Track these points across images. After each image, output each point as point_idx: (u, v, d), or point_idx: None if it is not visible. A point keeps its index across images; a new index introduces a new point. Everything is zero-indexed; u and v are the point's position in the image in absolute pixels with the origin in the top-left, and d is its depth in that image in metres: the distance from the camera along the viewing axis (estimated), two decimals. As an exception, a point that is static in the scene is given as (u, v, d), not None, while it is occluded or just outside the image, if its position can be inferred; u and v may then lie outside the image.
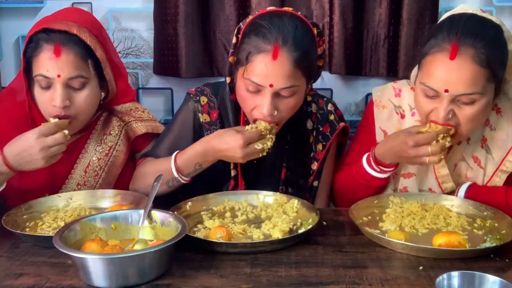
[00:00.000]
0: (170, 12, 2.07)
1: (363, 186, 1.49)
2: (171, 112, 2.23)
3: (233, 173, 1.53)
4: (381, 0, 2.04)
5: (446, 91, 1.29)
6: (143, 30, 2.18)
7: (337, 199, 1.64)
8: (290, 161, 1.57)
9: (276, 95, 1.37)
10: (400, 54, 2.05)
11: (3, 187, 1.40)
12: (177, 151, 1.45)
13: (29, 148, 1.31)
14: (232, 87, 1.49)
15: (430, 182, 1.51)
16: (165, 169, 1.43)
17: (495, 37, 1.30)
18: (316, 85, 1.67)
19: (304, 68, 1.38)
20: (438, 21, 1.39)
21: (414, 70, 1.47)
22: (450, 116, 1.32)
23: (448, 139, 1.34)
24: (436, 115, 1.34)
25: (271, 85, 1.35)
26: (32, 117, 1.48)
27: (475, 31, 1.28)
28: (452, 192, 1.49)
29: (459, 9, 1.38)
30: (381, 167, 1.45)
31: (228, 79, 1.49)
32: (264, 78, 1.35)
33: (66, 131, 1.36)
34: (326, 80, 2.16)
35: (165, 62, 2.13)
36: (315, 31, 1.42)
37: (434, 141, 1.33)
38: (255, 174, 1.56)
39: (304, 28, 1.38)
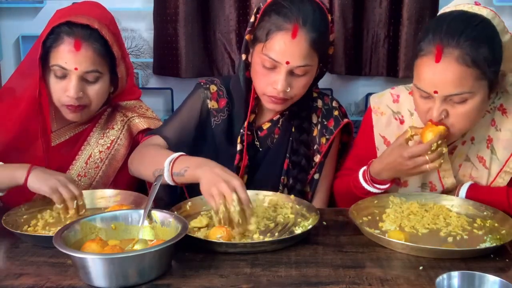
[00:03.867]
0: (170, 12, 2.07)
1: (360, 198, 1.49)
2: (171, 112, 2.22)
3: (239, 147, 1.57)
4: (381, 0, 2.04)
5: (436, 92, 1.31)
6: (143, 30, 2.18)
7: (337, 202, 1.66)
8: (294, 153, 1.61)
9: (290, 73, 1.44)
10: (400, 54, 2.04)
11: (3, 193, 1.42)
12: (181, 153, 1.41)
13: (55, 175, 1.35)
14: (247, 64, 1.54)
15: (432, 176, 1.51)
16: (161, 159, 1.40)
17: (481, 35, 1.29)
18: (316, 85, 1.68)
19: (319, 50, 1.45)
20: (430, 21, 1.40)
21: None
22: (443, 116, 1.34)
23: (444, 145, 1.34)
24: (430, 115, 1.35)
25: (287, 62, 1.41)
26: (40, 104, 1.51)
27: (459, 31, 1.28)
28: (452, 191, 1.49)
29: (451, 4, 1.39)
30: (375, 185, 1.47)
31: (243, 56, 1.54)
32: (281, 55, 1.41)
33: (71, 212, 1.35)
34: (326, 80, 2.15)
35: (165, 62, 2.13)
36: (329, 17, 1.49)
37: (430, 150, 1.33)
38: (258, 161, 1.61)
39: (321, 12, 1.46)
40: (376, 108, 1.58)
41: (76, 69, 1.47)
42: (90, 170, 1.62)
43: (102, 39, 1.50)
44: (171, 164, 1.37)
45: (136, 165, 1.52)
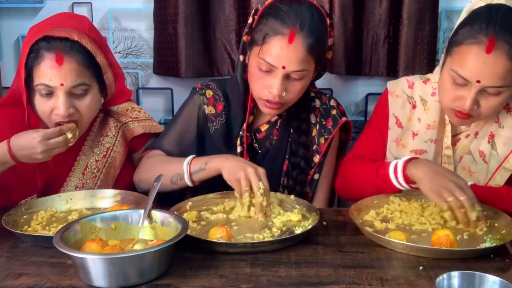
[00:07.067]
0: (170, 12, 2.07)
1: (377, 186, 1.45)
2: (171, 112, 2.23)
3: (239, 149, 1.58)
4: (381, 0, 2.04)
5: (478, 81, 1.33)
6: (143, 30, 2.19)
7: (338, 185, 1.62)
8: (293, 154, 1.61)
9: (286, 77, 1.44)
10: (400, 54, 2.05)
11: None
12: (194, 156, 1.48)
13: (32, 148, 1.31)
14: (245, 65, 1.54)
15: (436, 160, 1.53)
16: (175, 165, 1.47)
17: None
18: (316, 85, 1.68)
19: (316, 54, 1.44)
20: (473, 9, 1.40)
21: (438, 67, 1.53)
22: (475, 107, 1.37)
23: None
24: (462, 103, 1.37)
25: (283, 67, 1.41)
26: (30, 128, 1.44)
27: None
28: None
29: None
30: (410, 185, 1.40)
31: (241, 58, 1.54)
32: (278, 60, 1.41)
33: (69, 135, 1.36)
34: (326, 80, 2.16)
35: (165, 62, 2.13)
36: (328, 21, 1.48)
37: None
38: (258, 163, 1.58)
39: (319, 16, 1.45)
40: (392, 91, 1.62)
41: (62, 84, 1.37)
42: (88, 181, 1.57)
43: (84, 49, 1.42)
44: (189, 165, 1.45)
45: (148, 180, 1.48)
